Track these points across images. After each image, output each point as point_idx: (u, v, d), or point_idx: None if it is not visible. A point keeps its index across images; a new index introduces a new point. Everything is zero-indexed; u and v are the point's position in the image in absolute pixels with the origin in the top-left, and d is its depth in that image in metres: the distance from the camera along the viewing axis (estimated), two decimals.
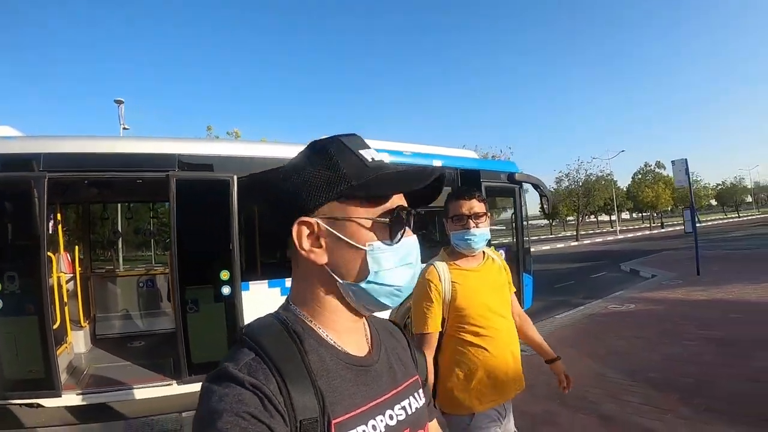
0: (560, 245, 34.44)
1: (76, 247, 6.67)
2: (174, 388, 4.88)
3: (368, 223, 0.76)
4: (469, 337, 2.05)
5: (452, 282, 2.06)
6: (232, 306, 5.05)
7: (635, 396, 4.46)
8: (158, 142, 5.20)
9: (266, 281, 5.29)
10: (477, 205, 2.08)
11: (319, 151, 0.78)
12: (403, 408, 0.82)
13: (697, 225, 15.34)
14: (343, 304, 0.79)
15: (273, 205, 0.82)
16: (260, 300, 5.12)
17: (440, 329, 2.07)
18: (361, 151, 0.78)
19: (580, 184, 38.61)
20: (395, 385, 0.83)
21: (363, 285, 0.76)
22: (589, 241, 37.01)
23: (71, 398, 4.64)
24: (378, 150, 3.16)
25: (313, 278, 0.78)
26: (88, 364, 5.64)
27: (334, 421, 0.70)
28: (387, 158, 5.92)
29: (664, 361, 5.42)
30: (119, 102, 20.86)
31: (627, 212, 68.24)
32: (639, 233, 44.74)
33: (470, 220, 2.05)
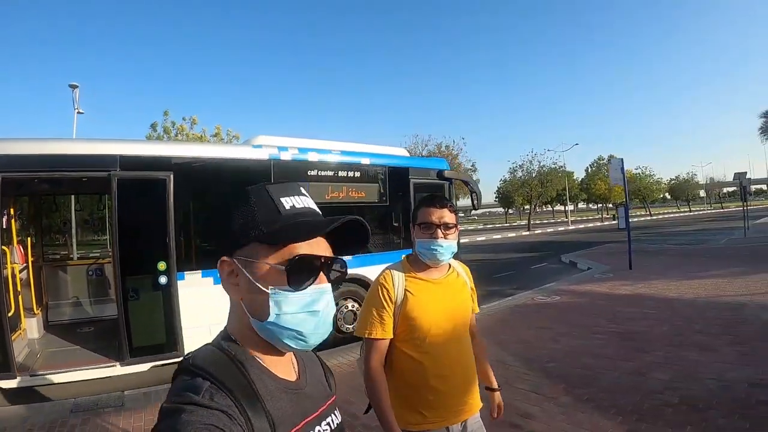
0: (512, 234, 35.55)
1: (29, 238, 7.13)
2: (117, 369, 5.45)
3: (274, 269, 0.81)
4: (414, 351, 1.95)
5: (405, 290, 1.97)
6: (169, 294, 5.64)
7: (526, 383, 4.74)
8: (103, 144, 5.68)
9: (200, 271, 5.90)
10: (448, 215, 1.99)
11: (242, 196, 0.85)
12: (328, 424, 0.91)
13: (650, 217, 16.27)
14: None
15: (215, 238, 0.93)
16: (195, 288, 5.74)
17: (390, 336, 1.96)
18: (282, 199, 0.85)
19: (534, 175, 39.82)
20: (320, 404, 0.92)
21: (267, 325, 0.82)
22: (540, 231, 38.31)
23: (25, 380, 5.15)
24: (305, 149, 5.33)
25: (238, 311, 0.86)
26: (40, 348, 6.16)
27: None
28: (315, 156, 6.47)
29: (565, 353, 5.70)
30: (74, 86, 20.98)
31: (583, 203, 70.23)
32: (591, 224, 46.39)
33: (439, 230, 1.95)
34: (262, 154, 6.60)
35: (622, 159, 13.46)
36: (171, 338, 5.63)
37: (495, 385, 2.26)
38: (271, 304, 0.81)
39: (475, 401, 2.07)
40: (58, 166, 5.30)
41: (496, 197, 47.31)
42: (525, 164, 40.07)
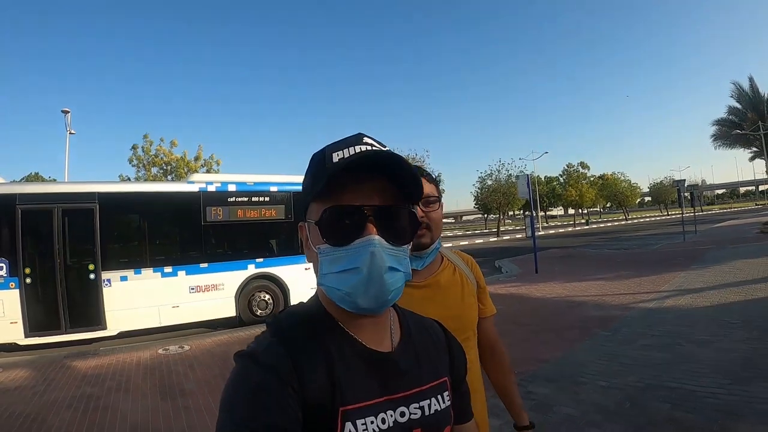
0: (480, 240, 37.90)
1: None
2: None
3: (315, 226, 0.78)
4: None
5: None
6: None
7: None
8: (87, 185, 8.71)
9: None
10: (427, 186, 1.46)
11: (310, 160, 0.82)
12: (420, 408, 0.81)
13: (624, 222, 18.13)
14: None
15: None
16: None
17: None
18: (334, 153, 0.78)
19: (502, 183, 42.10)
20: (417, 384, 0.83)
21: (320, 286, 0.80)
22: (508, 237, 40.66)
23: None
24: (225, 182, 10.13)
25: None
26: None
27: (341, 408, 0.73)
28: (233, 187, 9.62)
29: None
30: (66, 111, 23.98)
31: (561, 209, 72.46)
32: (561, 230, 48.87)
33: (417, 206, 1.24)
34: (194, 188, 9.48)
35: (527, 175, 16.01)
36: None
37: (526, 420, 1.62)
38: (320, 263, 0.78)
39: (482, 422, 1.50)
40: (54, 201, 8.46)
41: (474, 204, 49.51)
42: (494, 173, 42.47)
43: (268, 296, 9.92)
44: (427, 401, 0.83)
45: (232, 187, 9.82)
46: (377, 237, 0.74)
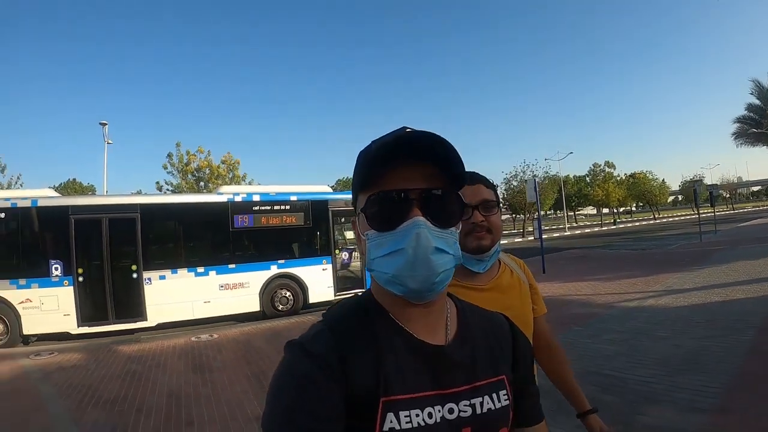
0: (504, 241, 38.39)
1: None
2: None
3: (362, 215, 0.81)
4: None
5: None
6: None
7: None
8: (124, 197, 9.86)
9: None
10: (484, 191, 1.51)
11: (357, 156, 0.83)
12: (471, 406, 0.80)
13: (653, 221, 18.50)
14: None
15: None
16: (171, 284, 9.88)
17: None
18: (375, 144, 0.80)
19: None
20: (470, 380, 0.82)
21: (371, 273, 0.83)
22: (532, 238, 40.96)
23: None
24: (250, 193, 11.91)
25: None
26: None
27: (383, 399, 0.73)
28: (257, 197, 11.31)
29: None
30: (103, 124, 25.96)
31: (593, 208, 72.08)
32: (587, 230, 48.59)
33: (477, 211, 1.46)
34: (223, 198, 10.88)
35: (534, 179, 16.81)
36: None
37: (587, 405, 1.69)
38: (367, 249, 0.80)
39: None
40: (104, 212, 9.80)
41: (502, 205, 49.61)
42: (519, 174, 42.66)
43: (288, 293, 11.13)
44: (480, 399, 0.81)
45: (256, 197, 11.15)
46: (422, 218, 0.76)
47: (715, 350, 5.60)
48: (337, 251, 11.81)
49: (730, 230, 27.72)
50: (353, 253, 11.89)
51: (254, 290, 10.82)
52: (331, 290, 11.49)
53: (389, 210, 0.77)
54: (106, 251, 9.66)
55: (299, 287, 11.27)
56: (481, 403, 0.81)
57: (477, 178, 1.54)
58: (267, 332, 8.89)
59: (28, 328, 9.05)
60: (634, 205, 76.83)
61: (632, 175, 64.31)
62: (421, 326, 0.82)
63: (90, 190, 48.98)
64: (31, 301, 9.03)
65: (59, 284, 9.23)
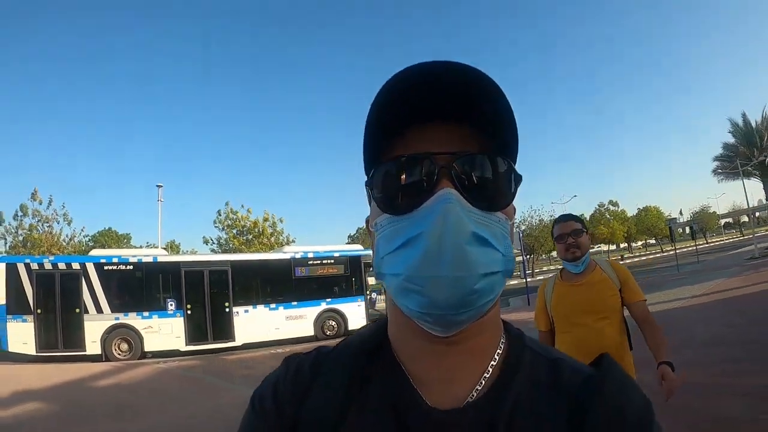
0: (514, 282, 41.45)
1: None
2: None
3: (371, 197, 0.57)
4: (560, 337, 2.47)
5: (552, 291, 2.53)
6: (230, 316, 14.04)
7: None
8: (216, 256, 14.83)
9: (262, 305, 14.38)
10: (574, 224, 2.42)
11: None
12: None
13: (659, 254, 20.90)
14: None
15: None
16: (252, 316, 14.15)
17: (547, 329, 2.57)
18: (382, 95, 0.55)
19: (534, 227, 45.60)
20: None
21: (380, 278, 0.56)
22: (540, 277, 43.97)
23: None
24: (306, 252, 17.27)
25: None
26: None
27: None
28: (311, 255, 17.10)
29: None
30: (159, 186, 29.21)
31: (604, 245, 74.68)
32: None
33: (569, 237, 2.38)
34: (287, 255, 15.54)
35: (520, 232, 20.62)
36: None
37: (663, 357, 2.18)
38: (376, 245, 0.55)
39: None
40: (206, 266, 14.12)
41: (518, 248, 51.98)
42: (526, 219, 46.01)
43: (334, 322, 15.46)
44: None
45: (310, 254, 15.72)
46: (453, 190, 0.49)
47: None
48: (368, 292, 16.08)
49: (712, 261, 29.64)
50: (379, 295, 15.78)
51: (310, 320, 14.96)
52: (364, 320, 15.44)
53: (406, 183, 0.51)
54: (207, 293, 13.99)
55: (341, 318, 15.37)
56: None
57: (568, 217, 2.49)
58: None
59: (149, 346, 13.17)
60: (645, 240, 79.25)
61: (644, 209, 67.24)
62: (429, 375, 0.55)
63: (126, 239, 52.73)
64: (152, 327, 13.20)
65: (173, 315, 13.50)
